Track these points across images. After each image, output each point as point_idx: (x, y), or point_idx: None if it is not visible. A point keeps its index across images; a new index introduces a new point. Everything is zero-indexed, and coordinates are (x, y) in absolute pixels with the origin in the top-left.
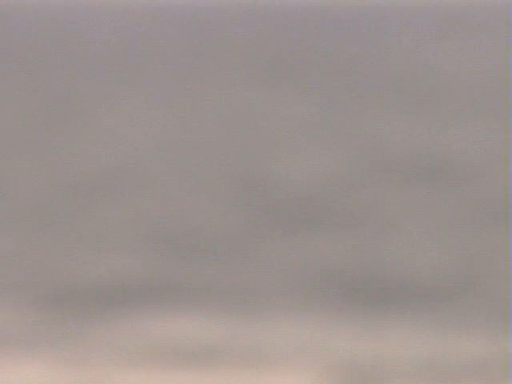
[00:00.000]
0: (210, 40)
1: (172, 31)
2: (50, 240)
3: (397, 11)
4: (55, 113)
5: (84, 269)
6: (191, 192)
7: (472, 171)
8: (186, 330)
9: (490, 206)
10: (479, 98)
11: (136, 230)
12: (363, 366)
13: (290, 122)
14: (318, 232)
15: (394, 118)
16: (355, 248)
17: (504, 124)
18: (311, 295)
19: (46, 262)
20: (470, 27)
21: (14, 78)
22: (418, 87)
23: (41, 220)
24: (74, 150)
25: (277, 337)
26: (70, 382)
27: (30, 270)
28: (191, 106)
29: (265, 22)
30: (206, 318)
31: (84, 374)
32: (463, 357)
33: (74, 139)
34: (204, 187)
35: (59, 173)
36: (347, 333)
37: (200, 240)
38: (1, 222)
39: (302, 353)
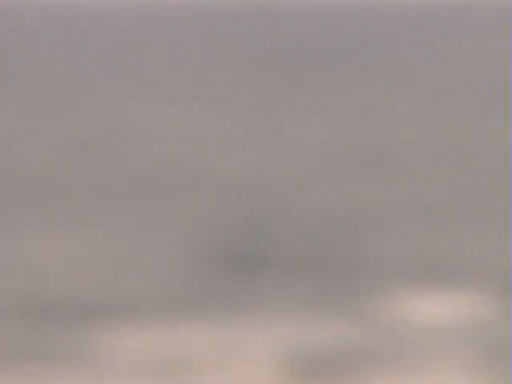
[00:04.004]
0: (213, 40)
1: (176, 30)
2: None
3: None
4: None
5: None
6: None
7: (474, 168)
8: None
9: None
10: (479, 98)
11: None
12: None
13: (291, 121)
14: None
15: (395, 118)
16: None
17: (504, 123)
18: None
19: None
20: (469, 27)
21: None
22: (418, 87)
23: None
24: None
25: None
26: None
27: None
28: (196, 105)
29: (266, 22)
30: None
31: None
32: None
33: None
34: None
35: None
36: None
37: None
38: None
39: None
